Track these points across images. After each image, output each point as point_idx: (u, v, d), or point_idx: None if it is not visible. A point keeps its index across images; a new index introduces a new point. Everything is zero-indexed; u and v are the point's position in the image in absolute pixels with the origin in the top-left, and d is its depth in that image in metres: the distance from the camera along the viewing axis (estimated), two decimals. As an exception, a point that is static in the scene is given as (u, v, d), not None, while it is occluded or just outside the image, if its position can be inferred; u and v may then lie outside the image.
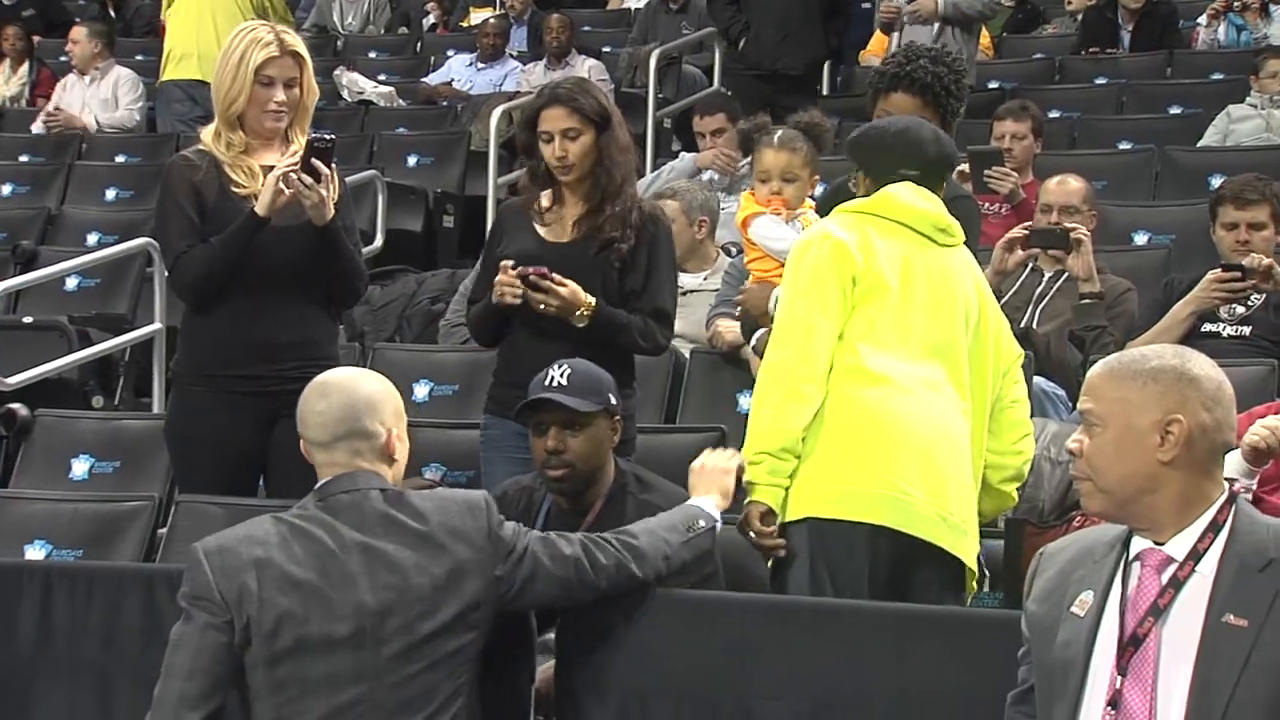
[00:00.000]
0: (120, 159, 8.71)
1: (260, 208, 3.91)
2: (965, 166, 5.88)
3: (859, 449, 3.13)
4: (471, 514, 2.87)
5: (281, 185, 3.88)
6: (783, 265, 4.08)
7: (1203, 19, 8.72)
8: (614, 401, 3.59)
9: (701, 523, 3.10)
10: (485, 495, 2.93)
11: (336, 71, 9.48)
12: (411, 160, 8.38)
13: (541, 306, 3.90)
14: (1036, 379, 4.56)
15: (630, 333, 3.97)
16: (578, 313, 3.90)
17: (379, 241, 7.17)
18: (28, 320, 6.32)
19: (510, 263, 3.91)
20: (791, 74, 7.72)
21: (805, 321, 3.19)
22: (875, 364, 3.17)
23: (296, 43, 4.05)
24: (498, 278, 3.92)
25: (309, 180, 3.88)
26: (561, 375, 3.56)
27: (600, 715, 3.02)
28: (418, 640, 2.79)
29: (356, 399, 2.90)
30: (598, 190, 3.98)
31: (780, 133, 4.24)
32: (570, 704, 3.05)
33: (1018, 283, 5.06)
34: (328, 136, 3.97)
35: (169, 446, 4.21)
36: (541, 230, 4.04)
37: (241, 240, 3.94)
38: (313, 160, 3.89)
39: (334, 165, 3.97)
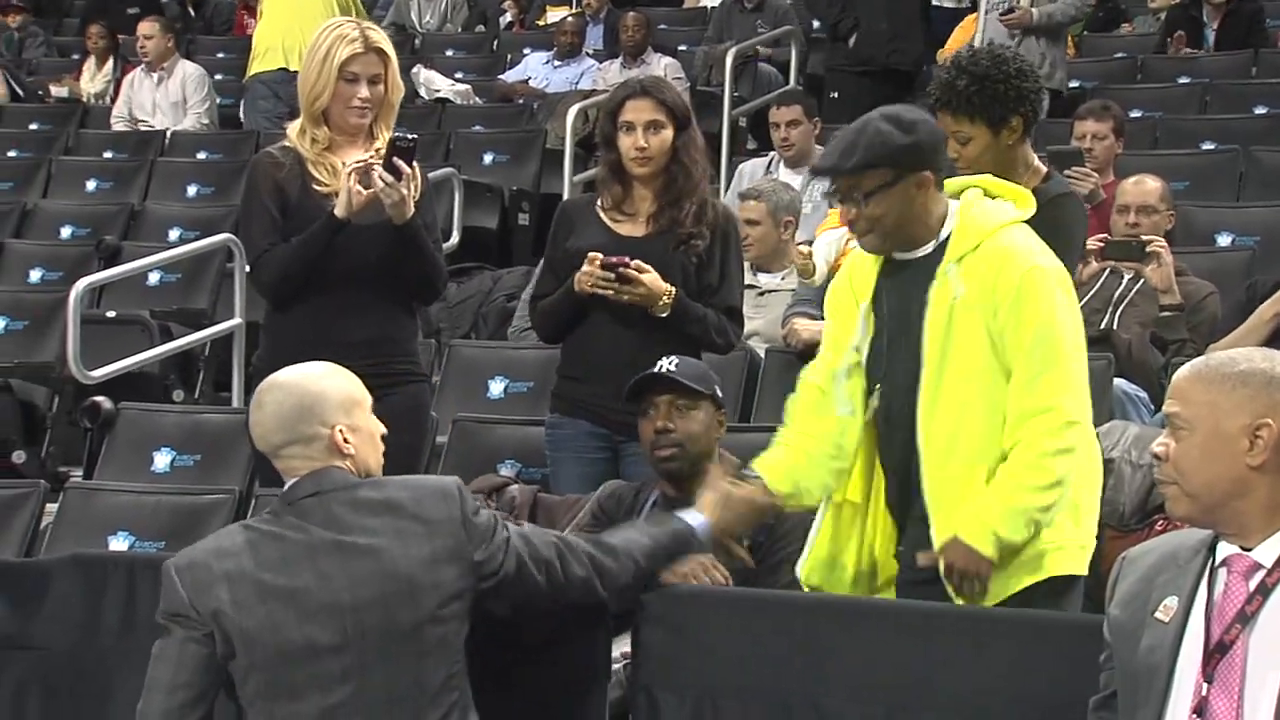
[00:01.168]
0: (201, 155, 8.82)
1: (339, 209, 3.94)
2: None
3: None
4: (445, 501, 2.82)
5: (359, 186, 3.91)
6: None
7: (1289, 18, 8.60)
8: (719, 394, 3.66)
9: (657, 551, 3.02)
10: (457, 482, 2.88)
11: (414, 69, 9.54)
12: (488, 158, 8.43)
13: (625, 297, 3.91)
14: (1118, 381, 4.52)
15: (706, 325, 4.00)
16: (660, 301, 3.92)
17: (455, 239, 7.22)
18: (110, 315, 6.42)
19: (597, 254, 3.93)
20: (903, 70, 7.65)
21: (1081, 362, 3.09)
22: None
23: (382, 39, 4.07)
24: (583, 268, 3.93)
25: (390, 179, 3.91)
26: (670, 363, 3.65)
27: (673, 712, 3.02)
28: (401, 633, 2.76)
29: (288, 406, 2.85)
30: (673, 186, 4.00)
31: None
32: (643, 700, 3.05)
33: (1097, 285, 5.01)
34: (410, 136, 3.99)
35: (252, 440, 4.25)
36: (613, 225, 4.06)
37: (320, 242, 3.97)
38: (394, 159, 3.91)
39: (415, 164, 4.00)
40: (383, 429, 2.96)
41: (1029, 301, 2.99)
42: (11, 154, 9.04)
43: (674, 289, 3.94)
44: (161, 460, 4.92)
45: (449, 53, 10.64)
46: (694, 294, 3.99)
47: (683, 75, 9.08)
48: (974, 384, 3.01)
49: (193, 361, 6.44)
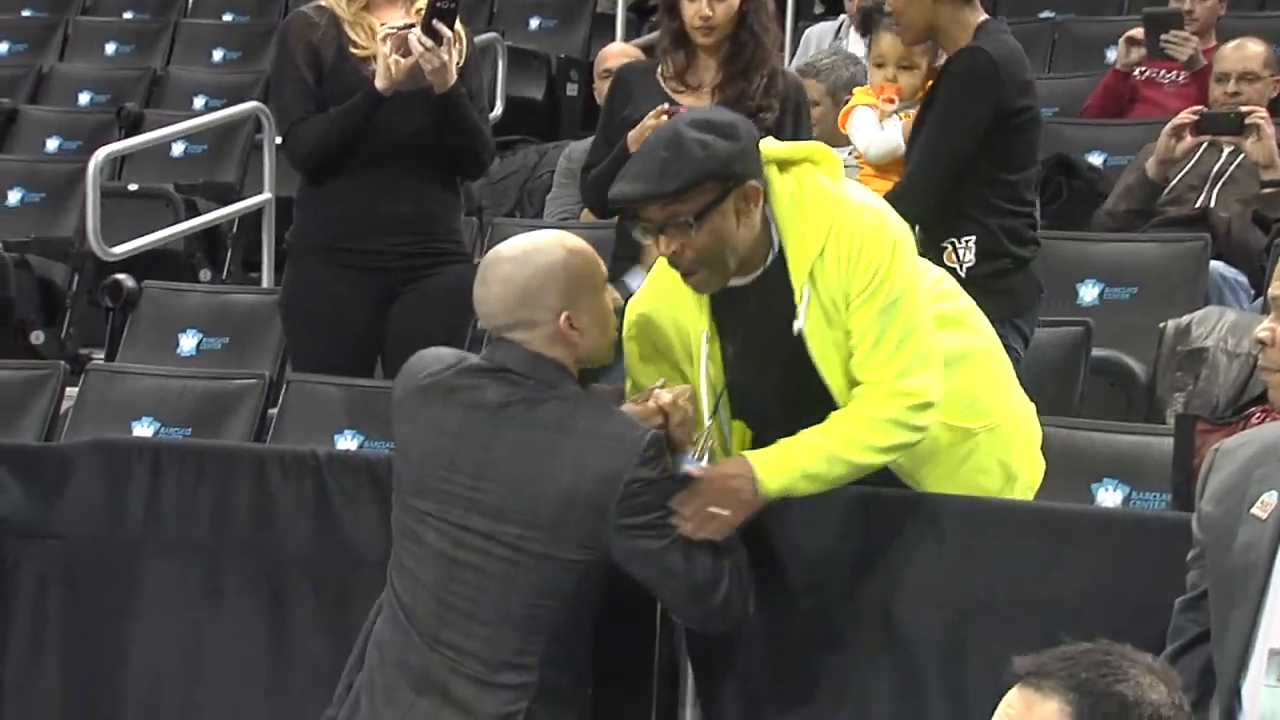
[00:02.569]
0: (228, 17, 8.77)
1: (379, 81, 3.92)
2: (1139, 30, 5.72)
3: None
4: (618, 447, 2.71)
5: (397, 55, 3.87)
6: (870, 166, 4.00)
7: None
8: None
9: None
10: (651, 437, 2.73)
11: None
12: (534, 23, 8.34)
13: None
14: (1215, 264, 4.46)
15: None
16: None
17: (499, 110, 7.16)
18: (132, 188, 6.43)
19: (663, 106, 3.83)
20: None
21: None
22: None
23: None
24: (644, 121, 3.84)
25: (429, 43, 3.87)
26: None
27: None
28: (507, 551, 2.74)
29: (513, 287, 2.81)
30: (740, 56, 3.94)
31: None
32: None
33: (1193, 159, 4.92)
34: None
35: (283, 322, 4.28)
36: (675, 95, 4.00)
37: (358, 116, 3.96)
38: (434, 22, 3.87)
39: (457, 28, 3.95)
40: (618, 302, 2.90)
41: (875, 284, 2.78)
42: (25, 13, 9.02)
43: None
44: (187, 342, 4.96)
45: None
46: None
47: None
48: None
49: (220, 238, 6.45)
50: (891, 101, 4.03)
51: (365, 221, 4.02)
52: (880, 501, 2.96)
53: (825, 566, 2.98)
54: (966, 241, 3.70)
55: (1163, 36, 5.64)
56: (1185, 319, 4.14)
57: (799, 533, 2.99)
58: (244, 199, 6.33)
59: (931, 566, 2.91)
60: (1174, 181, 4.86)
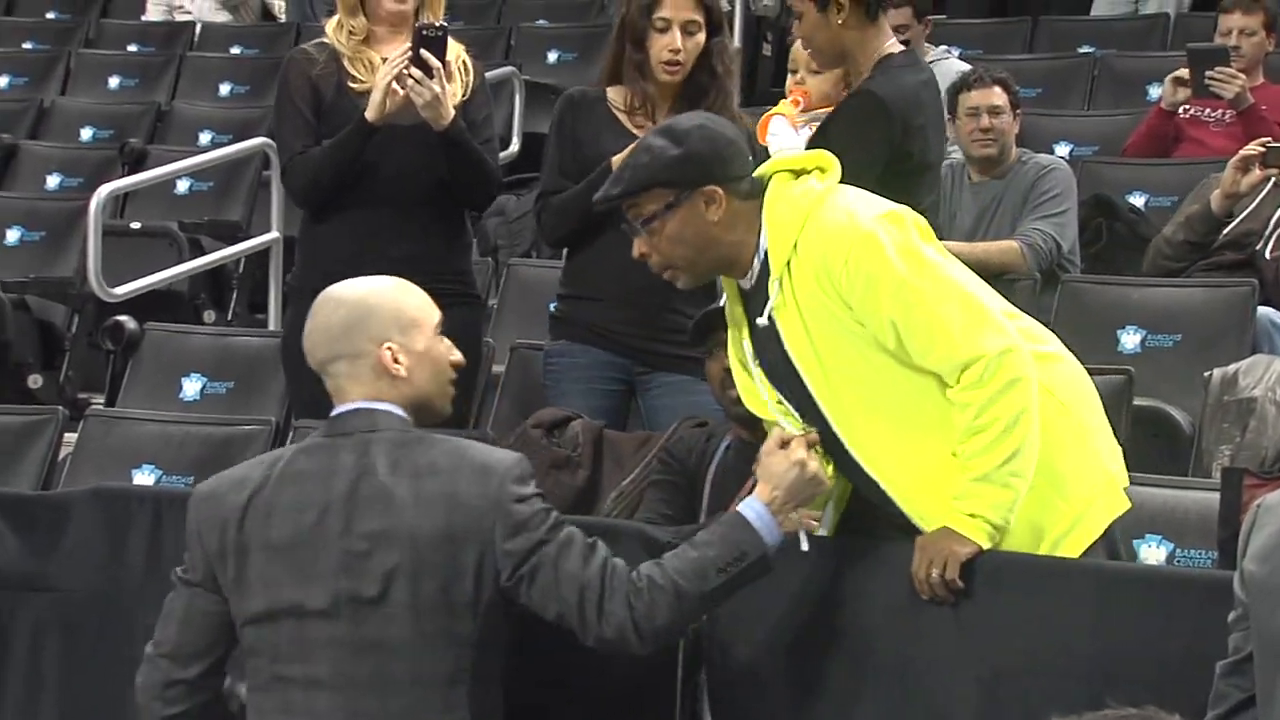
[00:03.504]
0: (235, 50, 8.85)
1: (370, 112, 3.95)
2: (1185, 71, 5.73)
3: None
4: (483, 477, 2.75)
5: (395, 86, 3.90)
6: None
7: None
8: None
9: (748, 553, 2.80)
10: (517, 460, 2.80)
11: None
12: (552, 55, 8.40)
13: None
14: (1263, 310, 4.46)
15: None
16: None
17: (515, 146, 7.21)
18: (135, 226, 6.48)
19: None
20: None
21: None
22: None
23: None
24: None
25: (419, 75, 3.89)
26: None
27: (752, 672, 3.03)
28: (396, 613, 2.72)
29: (337, 318, 2.85)
30: (701, 99, 3.94)
31: None
32: (720, 656, 3.06)
33: (1254, 201, 4.92)
34: (437, 24, 3.96)
35: (285, 366, 4.30)
36: (634, 129, 3.99)
37: (351, 147, 3.99)
38: (421, 52, 3.89)
39: (463, 57, 3.98)
40: (456, 356, 2.93)
41: (869, 278, 2.86)
42: (27, 46, 9.11)
43: None
44: (191, 387, 4.98)
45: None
46: None
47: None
48: (872, 384, 2.92)
49: (225, 279, 6.49)
50: (798, 104, 4.03)
51: (366, 261, 4.01)
52: (902, 556, 2.95)
53: (855, 622, 2.98)
54: None
55: (1208, 74, 5.66)
56: (1232, 367, 4.14)
57: (829, 585, 2.99)
58: (250, 238, 6.38)
59: (966, 624, 2.90)
60: (1233, 224, 4.87)
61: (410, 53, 3.90)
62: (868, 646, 2.97)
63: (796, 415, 3.02)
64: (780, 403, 3.04)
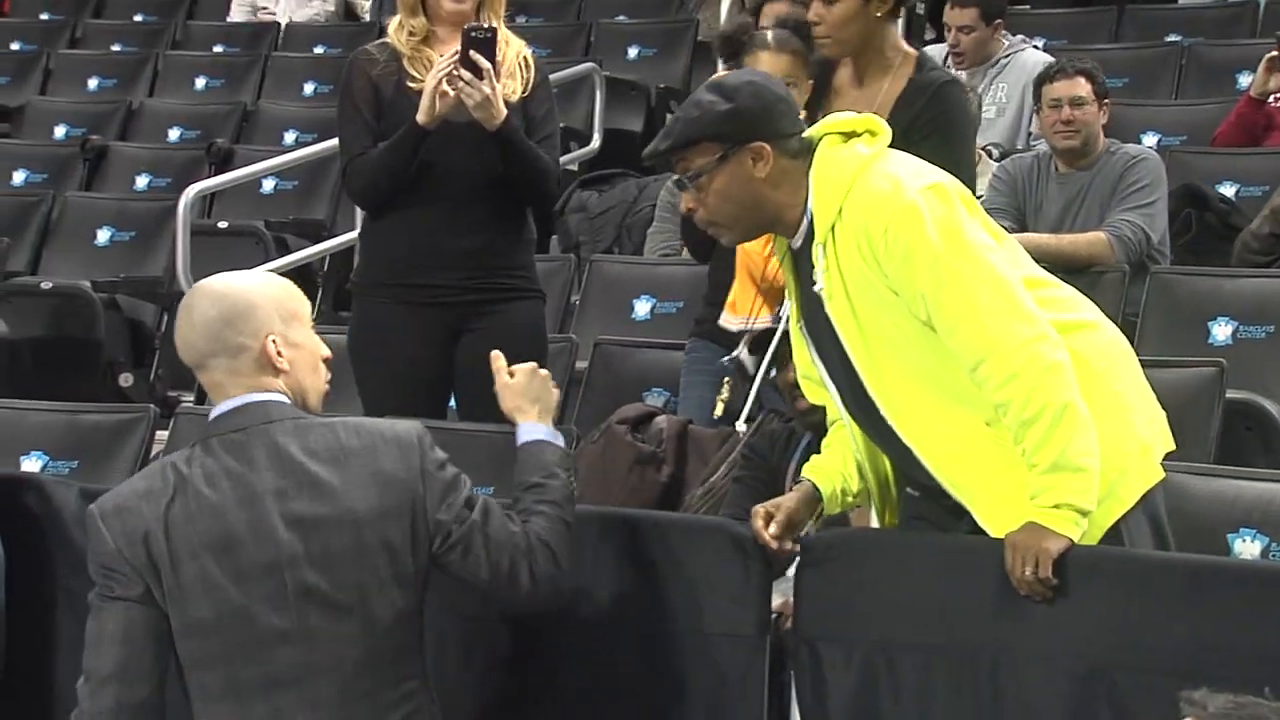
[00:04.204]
0: (319, 50, 8.91)
1: (421, 115, 3.98)
2: (1276, 53, 5.65)
3: None
4: (402, 451, 2.75)
5: (445, 87, 3.93)
6: None
7: None
8: None
9: (568, 456, 2.98)
10: (418, 429, 2.80)
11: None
12: (633, 52, 8.40)
13: None
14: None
15: None
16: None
17: (596, 142, 7.22)
18: (222, 225, 6.54)
19: None
20: None
21: None
22: None
23: None
24: None
25: (468, 77, 3.91)
26: None
27: (841, 670, 3.02)
28: (347, 599, 2.71)
29: (215, 312, 2.78)
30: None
31: (773, 33, 4.08)
32: (806, 655, 3.05)
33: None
34: (486, 26, 3.99)
35: (351, 362, 4.34)
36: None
37: (405, 149, 4.03)
38: (471, 54, 3.91)
39: (524, 52, 3.99)
40: (326, 352, 2.90)
41: (906, 250, 2.83)
42: (115, 48, 9.22)
43: None
44: (278, 384, 5.00)
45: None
46: None
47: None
48: (910, 354, 2.89)
49: (310, 277, 6.54)
50: None
51: (426, 257, 4.09)
52: (990, 551, 2.92)
53: (943, 619, 2.95)
54: None
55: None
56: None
57: (916, 581, 2.97)
58: (335, 236, 6.42)
59: (1057, 619, 2.87)
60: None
61: (459, 55, 3.92)
62: (957, 641, 2.94)
63: (832, 390, 3.02)
64: (819, 380, 3.04)
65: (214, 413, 2.80)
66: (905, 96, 3.81)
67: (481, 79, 3.91)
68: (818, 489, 3.08)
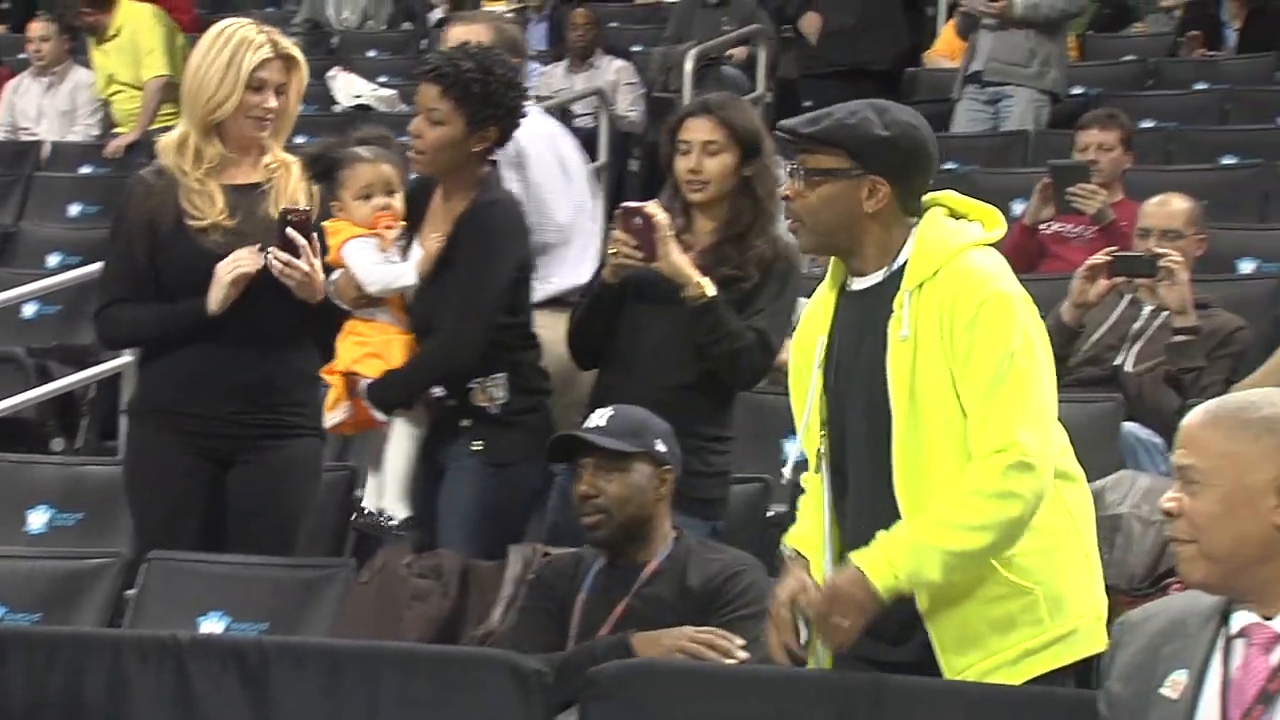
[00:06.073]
0: (85, 170, 8.78)
1: (212, 304, 3.99)
2: (1048, 180, 5.89)
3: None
4: None
5: (238, 274, 3.95)
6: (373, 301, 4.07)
7: (1319, 17, 8.71)
8: (660, 448, 3.69)
9: None
10: None
11: (330, 73, 9.55)
12: (412, 175, 8.41)
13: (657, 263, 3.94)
14: (1128, 425, 4.56)
15: (741, 343, 3.97)
16: (693, 284, 3.93)
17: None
18: (-20, 351, 6.38)
19: (615, 232, 3.99)
20: (876, 69, 7.77)
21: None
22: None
23: (290, 46, 4.16)
24: (614, 236, 3.97)
25: (284, 257, 3.96)
26: (601, 418, 3.71)
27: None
28: None
29: None
30: (738, 223, 4.05)
31: (367, 147, 4.18)
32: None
33: (1113, 317, 5.04)
34: (301, 208, 4.03)
35: (126, 491, 4.29)
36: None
37: (184, 328, 4.04)
38: (288, 233, 3.97)
39: (313, 236, 4.02)
40: None
41: (987, 331, 2.93)
42: None
43: (711, 291, 3.95)
44: (37, 519, 4.89)
45: (370, 54, 10.65)
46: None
47: (636, 80, 9.14)
48: (951, 430, 2.96)
49: (75, 405, 6.40)
50: (391, 228, 4.08)
51: (205, 388, 4.08)
52: (778, 679, 2.96)
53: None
54: (495, 379, 4.00)
55: (1069, 190, 5.83)
56: (1098, 484, 4.20)
57: (697, 711, 2.99)
58: (101, 363, 6.30)
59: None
60: (1093, 339, 4.98)
61: (277, 235, 3.96)
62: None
63: (828, 434, 3.05)
64: (821, 430, 3.06)
65: None
66: (462, 215, 4.04)
67: (299, 258, 3.95)
68: (805, 559, 3.06)
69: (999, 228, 3.07)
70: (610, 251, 4.02)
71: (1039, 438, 2.91)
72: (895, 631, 2.98)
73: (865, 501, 3.03)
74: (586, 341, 4.17)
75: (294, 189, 4.10)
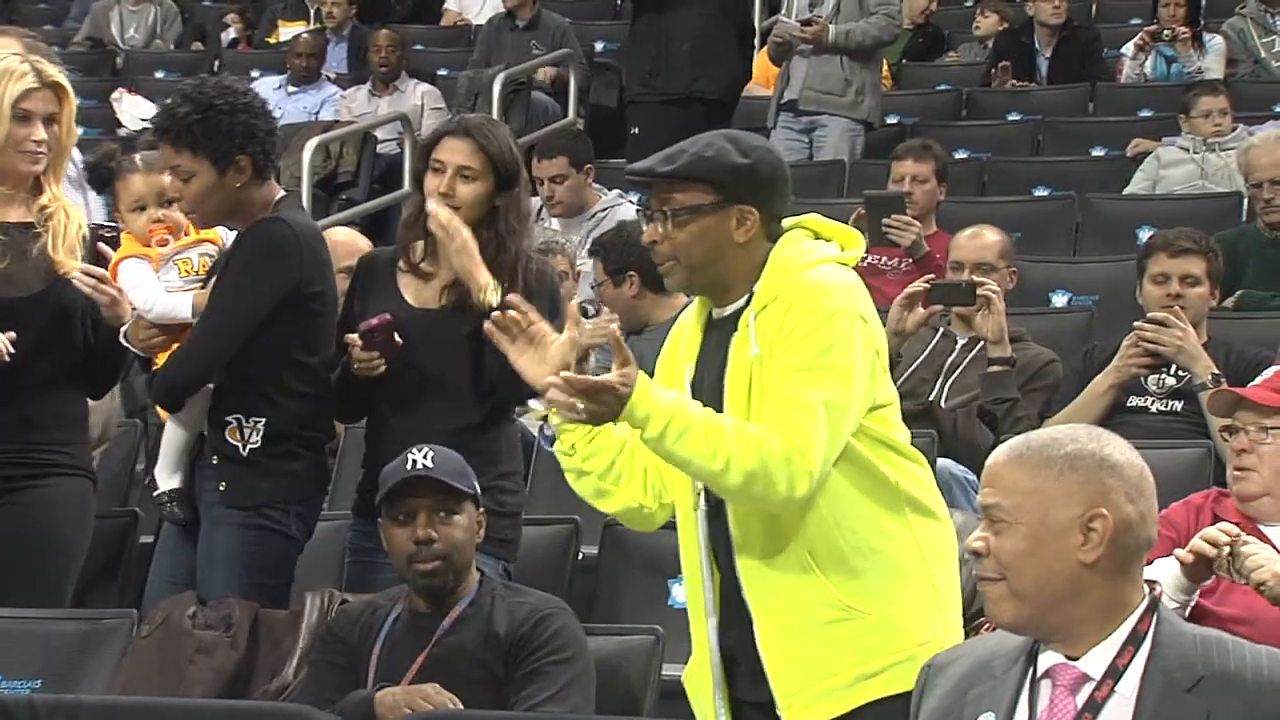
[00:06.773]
0: None
1: None
2: (862, 212, 5.97)
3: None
4: None
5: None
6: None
7: (1128, 48, 8.91)
8: (478, 491, 3.70)
9: None
10: None
11: (115, 94, 9.39)
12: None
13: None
14: (942, 462, 4.62)
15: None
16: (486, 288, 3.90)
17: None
18: None
19: (354, 336, 3.91)
20: (710, 98, 7.83)
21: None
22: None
23: (58, 74, 4.08)
24: (355, 356, 3.90)
25: (99, 273, 3.91)
26: (424, 457, 3.66)
27: None
28: None
29: None
30: (481, 253, 3.95)
31: (141, 155, 4.19)
32: None
33: (926, 350, 5.12)
34: (111, 225, 4.00)
35: None
36: (404, 290, 4.03)
37: None
38: (99, 247, 3.94)
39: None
40: None
41: (813, 330, 2.96)
42: None
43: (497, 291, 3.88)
44: None
45: (159, 74, 10.48)
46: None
47: (443, 105, 9.11)
48: None
49: None
50: (165, 243, 4.07)
51: None
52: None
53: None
54: (255, 422, 3.95)
55: (884, 221, 5.90)
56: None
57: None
58: None
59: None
60: (907, 373, 5.05)
61: (89, 251, 3.95)
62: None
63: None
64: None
65: None
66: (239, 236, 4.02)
67: (105, 281, 3.92)
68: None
69: (857, 248, 3.14)
70: (355, 368, 3.92)
71: (816, 436, 2.93)
72: (755, 668, 3.02)
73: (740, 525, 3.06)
74: (352, 407, 4.14)
75: (73, 240, 4.02)
